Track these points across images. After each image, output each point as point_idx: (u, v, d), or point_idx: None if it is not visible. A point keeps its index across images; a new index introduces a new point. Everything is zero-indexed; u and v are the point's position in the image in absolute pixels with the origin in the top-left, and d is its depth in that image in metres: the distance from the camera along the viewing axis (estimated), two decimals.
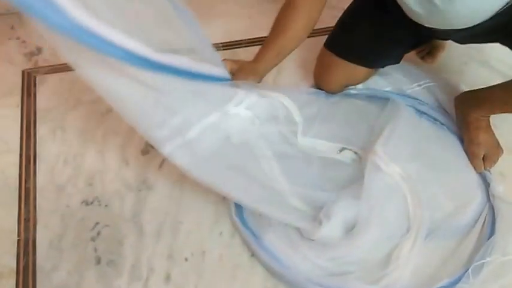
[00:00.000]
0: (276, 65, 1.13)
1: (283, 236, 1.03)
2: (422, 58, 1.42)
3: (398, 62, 1.29)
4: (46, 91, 1.34)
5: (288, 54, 1.12)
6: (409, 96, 1.31)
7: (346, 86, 1.31)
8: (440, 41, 1.41)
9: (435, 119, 1.28)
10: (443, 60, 1.44)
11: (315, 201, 1.04)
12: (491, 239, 1.06)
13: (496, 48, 1.45)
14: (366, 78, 1.30)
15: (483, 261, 1.03)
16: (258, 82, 1.10)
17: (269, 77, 1.37)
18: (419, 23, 1.06)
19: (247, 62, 1.11)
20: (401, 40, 1.22)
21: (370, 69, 1.28)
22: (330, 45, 1.26)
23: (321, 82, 1.31)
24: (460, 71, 1.41)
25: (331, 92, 1.30)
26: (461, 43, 1.18)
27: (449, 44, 1.42)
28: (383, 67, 1.30)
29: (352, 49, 1.23)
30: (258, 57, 1.10)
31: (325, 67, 1.28)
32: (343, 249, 1.01)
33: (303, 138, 1.16)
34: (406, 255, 1.02)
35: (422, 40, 1.29)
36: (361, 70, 1.26)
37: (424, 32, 1.10)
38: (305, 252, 1.01)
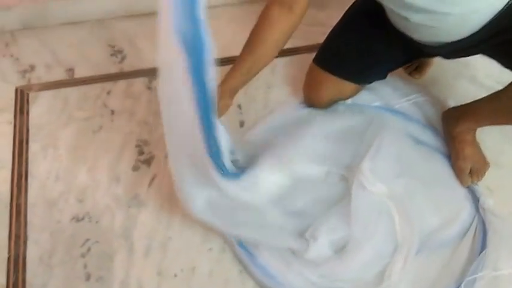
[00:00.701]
0: (245, 83, 1.08)
1: (277, 253, 1.04)
2: (410, 73, 1.44)
3: (385, 78, 1.31)
4: (39, 108, 1.36)
5: (257, 72, 1.08)
6: (397, 112, 1.33)
7: (335, 101, 1.32)
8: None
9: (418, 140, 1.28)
10: (431, 76, 1.45)
11: (302, 222, 1.06)
12: (482, 254, 1.07)
13: (483, 63, 1.47)
14: (354, 93, 1.32)
15: (475, 276, 1.04)
16: (228, 103, 1.07)
17: (260, 93, 1.40)
18: (410, 35, 1.08)
19: None
20: (391, 57, 1.23)
21: (358, 85, 1.30)
22: (319, 61, 1.28)
23: (310, 97, 1.32)
24: (448, 86, 1.43)
25: (320, 107, 1.31)
26: (448, 58, 1.19)
27: (437, 59, 1.44)
28: (370, 83, 1.32)
29: (341, 65, 1.25)
30: (226, 77, 1.06)
31: (314, 82, 1.29)
32: (336, 268, 1.02)
33: (294, 165, 1.16)
34: (398, 272, 1.03)
35: (411, 57, 1.31)
36: (350, 85, 1.27)
37: (413, 48, 1.12)
38: (298, 269, 1.02)
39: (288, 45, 1.56)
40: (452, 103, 1.32)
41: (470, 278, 1.03)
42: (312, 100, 1.31)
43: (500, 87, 1.05)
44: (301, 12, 1.04)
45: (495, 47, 1.01)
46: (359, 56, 1.22)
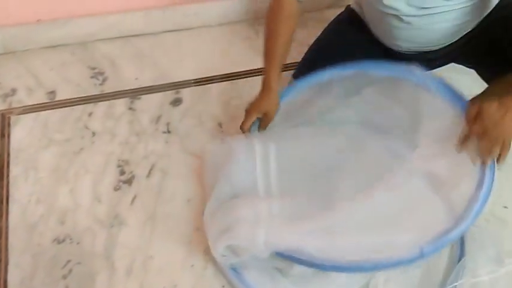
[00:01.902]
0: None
1: (264, 270, 1.04)
2: None
3: None
4: (20, 131, 1.36)
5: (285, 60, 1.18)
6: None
7: None
8: None
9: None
10: None
11: None
12: (461, 262, 1.08)
13: (455, 78, 1.52)
14: None
15: (455, 284, 1.05)
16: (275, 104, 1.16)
17: (240, 111, 1.41)
18: (389, 45, 1.12)
19: (258, 95, 1.17)
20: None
21: None
22: (297, 76, 1.30)
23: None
24: None
25: None
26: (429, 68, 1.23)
27: None
28: None
29: None
30: (269, 79, 1.16)
31: None
32: (320, 284, 1.02)
33: None
34: (382, 284, 1.04)
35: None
36: None
37: (393, 57, 1.16)
38: (285, 286, 1.03)
39: None
40: None
41: (450, 286, 1.04)
42: None
43: None
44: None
45: (465, 53, 1.05)
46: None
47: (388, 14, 1.11)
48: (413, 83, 1.12)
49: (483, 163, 0.94)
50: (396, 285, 1.05)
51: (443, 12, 1.06)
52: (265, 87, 1.16)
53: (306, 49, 1.33)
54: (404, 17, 1.08)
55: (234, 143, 1.13)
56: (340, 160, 1.11)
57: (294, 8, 1.14)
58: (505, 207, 1.19)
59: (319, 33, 1.33)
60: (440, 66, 1.26)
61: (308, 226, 0.98)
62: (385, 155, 1.12)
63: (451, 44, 1.15)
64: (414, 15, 1.07)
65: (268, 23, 1.17)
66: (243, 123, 1.15)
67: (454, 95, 1.06)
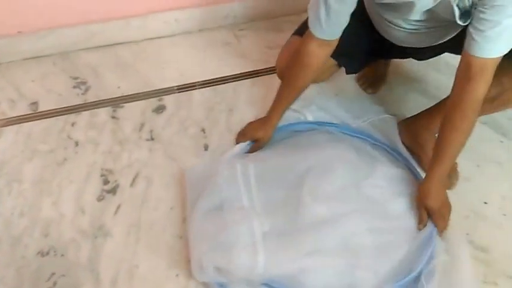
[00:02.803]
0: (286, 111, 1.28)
1: (251, 285, 1.03)
2: (364, 89, 1.49)
3: (356, 72, 1.39)
4: (3, 144, 1.36)
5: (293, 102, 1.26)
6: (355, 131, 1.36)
7: None
8: (382, 72, 1.49)
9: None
10: (384, 92, 1.51)
11: None
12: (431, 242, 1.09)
13: (434, 77, 1.54)
14: (327, 74, 1.33)
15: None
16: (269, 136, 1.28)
17: (223, 116, 1.43)
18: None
19: (258, 121, 1.32)
20: (369, 44, 1.26)
21: (332, 66, 1.29)
22: (299, 32, 1.24)
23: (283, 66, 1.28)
24: (402, 101, 1.48)
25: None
26: (419, 59, 1.26)
27: (390, 75, 1.50)
28: (345, 66, 1.32)
29: None
30: (271, 114, 1.27)
31: (291, 50, 1.24)
32: None
33: None
34: None
35: (386, 53, 1.33)
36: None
37: (389, 44, 1.20)
38: None
39: (248, 68, 1.63)
40: (407, 115, 1.37)
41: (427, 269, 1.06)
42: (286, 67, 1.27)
43: None
44: (336, 42, 1.13)
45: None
46: (344, 37, 1.17)
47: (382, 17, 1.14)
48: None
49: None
50: None
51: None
52: (267, 119, 1.28)
53: None
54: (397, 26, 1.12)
55: (217, 161, 1.23)
56: (309, 176, 1.17)
57: (320, 61, 1.16)
58: (485, 202, 1.21)
59: None
60: (434, 56, 1.29)
61: (299, 251, 1.04)
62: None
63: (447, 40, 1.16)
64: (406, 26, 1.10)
65: (292, 65, 1.18)
66: (236, 140, 1.33)
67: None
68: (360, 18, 1.18)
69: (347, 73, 1.35)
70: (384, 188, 1.18)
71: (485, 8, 0.89)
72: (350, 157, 1.22)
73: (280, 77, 1.30)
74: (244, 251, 1.01)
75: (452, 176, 1.24)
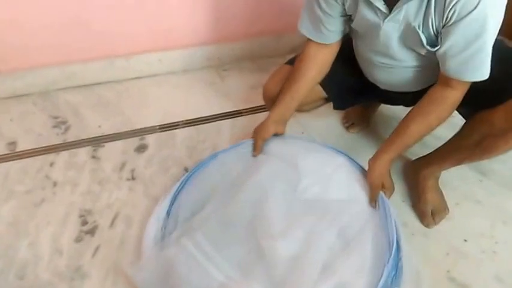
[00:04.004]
0: (292, 110, 1.23)
1: None
2: (347, 128, 1.51)
3: (344, 108, 1.43)
4: None
5: (302, 97, 1.22)
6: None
7: None
8: (366, 115, 1.52)
9: None
10: (366, 133, 1.54)
11: None
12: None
13: None
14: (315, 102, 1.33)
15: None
16: (280, 127, 1.23)
17: (206, 154, 1.42)
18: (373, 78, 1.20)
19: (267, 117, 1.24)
20: (358, 84, 1.28)
21: (321, 98, 1.31)
22: (291, 62, 1.27)
23: (272, 90, 1.29)
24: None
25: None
26: (406, 105, 1.26)
27: (374, 118, 1.53)
28: (333, 100, 1.33)
29: None
30: (275, 104, 1.22)
31: (281, 76, 1.27)
32: None
33: None
34: None
35: (373, 96, 1.34)
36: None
37: (378, 90, 1.23)
38: None
39: (231, 108, 1.65)
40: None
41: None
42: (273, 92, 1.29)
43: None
44: (337, 47, 1.18)
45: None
46: (337, 72, 1.23)
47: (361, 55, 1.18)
48: None
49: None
50: None
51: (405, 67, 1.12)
52: (268, 116, 1.23)
53: None
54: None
55: (166, 252, 1.04)
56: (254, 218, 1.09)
57: (320, 63, 1.19)
58: (465, 240, 1.22)
59: None
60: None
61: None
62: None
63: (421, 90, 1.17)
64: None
65: (296, 64, 1.21)
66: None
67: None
68: (351, 57, 1.24)
69: (334, 108, 1.37)
70: (316, 183, 1.14)
71: (448, 34, 0.93)
72: (274, 169, 1.16)
73: (267, 100, 1.31)
74: None
75: (441, 212, 1.26)
